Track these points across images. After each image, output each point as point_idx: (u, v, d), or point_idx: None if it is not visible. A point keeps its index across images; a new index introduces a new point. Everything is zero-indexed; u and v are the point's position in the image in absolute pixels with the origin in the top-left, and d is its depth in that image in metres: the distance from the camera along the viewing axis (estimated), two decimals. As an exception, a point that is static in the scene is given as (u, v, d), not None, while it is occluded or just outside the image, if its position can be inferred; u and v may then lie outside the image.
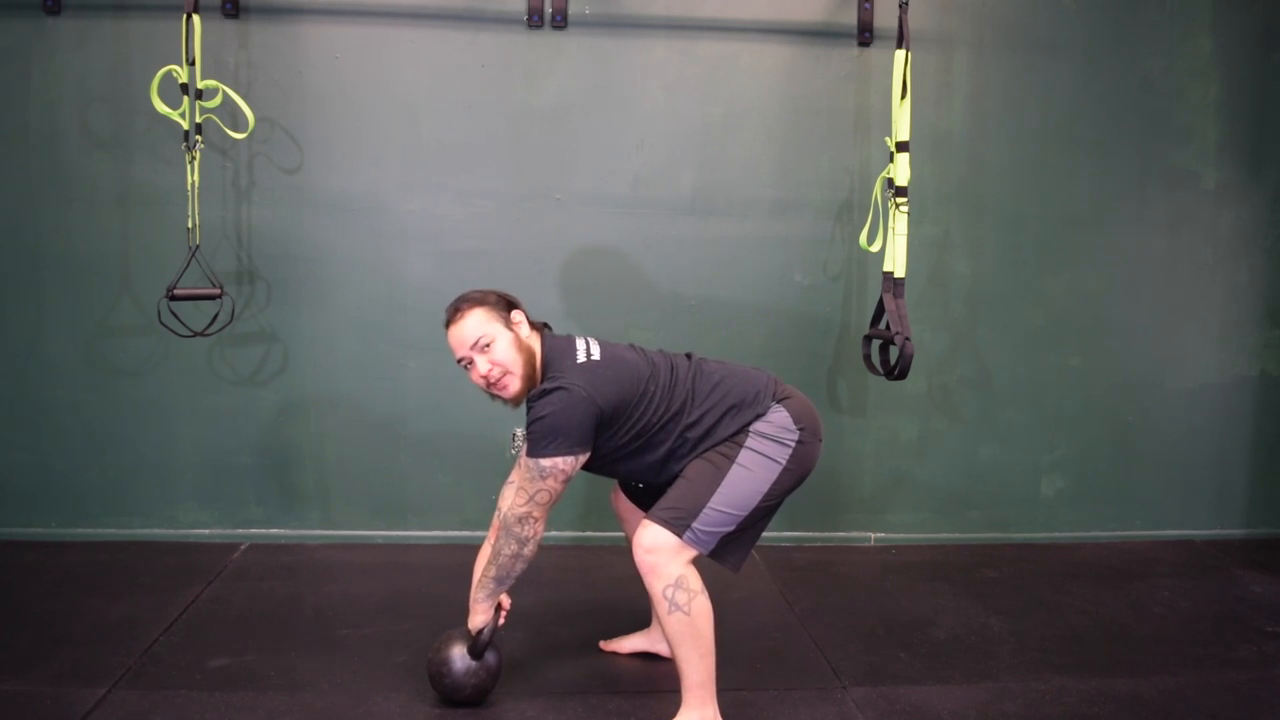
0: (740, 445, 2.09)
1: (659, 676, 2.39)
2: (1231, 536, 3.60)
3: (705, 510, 2.03)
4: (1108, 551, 3.44)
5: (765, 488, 2.08)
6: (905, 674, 2.44)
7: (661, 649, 2.48)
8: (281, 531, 3.34)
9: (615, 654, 2.51)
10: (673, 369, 2.18)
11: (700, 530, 2.03)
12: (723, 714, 2.11)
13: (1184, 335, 3.54)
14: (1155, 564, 3.31)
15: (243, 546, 3.29)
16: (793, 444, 2.10)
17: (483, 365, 2.09)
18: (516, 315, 2.15)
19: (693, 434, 2.12)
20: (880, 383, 3.22)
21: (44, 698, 2.19)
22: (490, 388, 2.13)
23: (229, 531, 3.33)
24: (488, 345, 2.09)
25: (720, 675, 2.10)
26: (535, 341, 2.16)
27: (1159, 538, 3.57)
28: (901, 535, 3.50)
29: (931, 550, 3.42)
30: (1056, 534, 3.54)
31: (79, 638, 2.52)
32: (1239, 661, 2.55)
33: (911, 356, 2.91)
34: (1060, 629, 2.74)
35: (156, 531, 3.30)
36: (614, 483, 2.46)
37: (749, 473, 2.07)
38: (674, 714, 2.09)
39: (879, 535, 3.50)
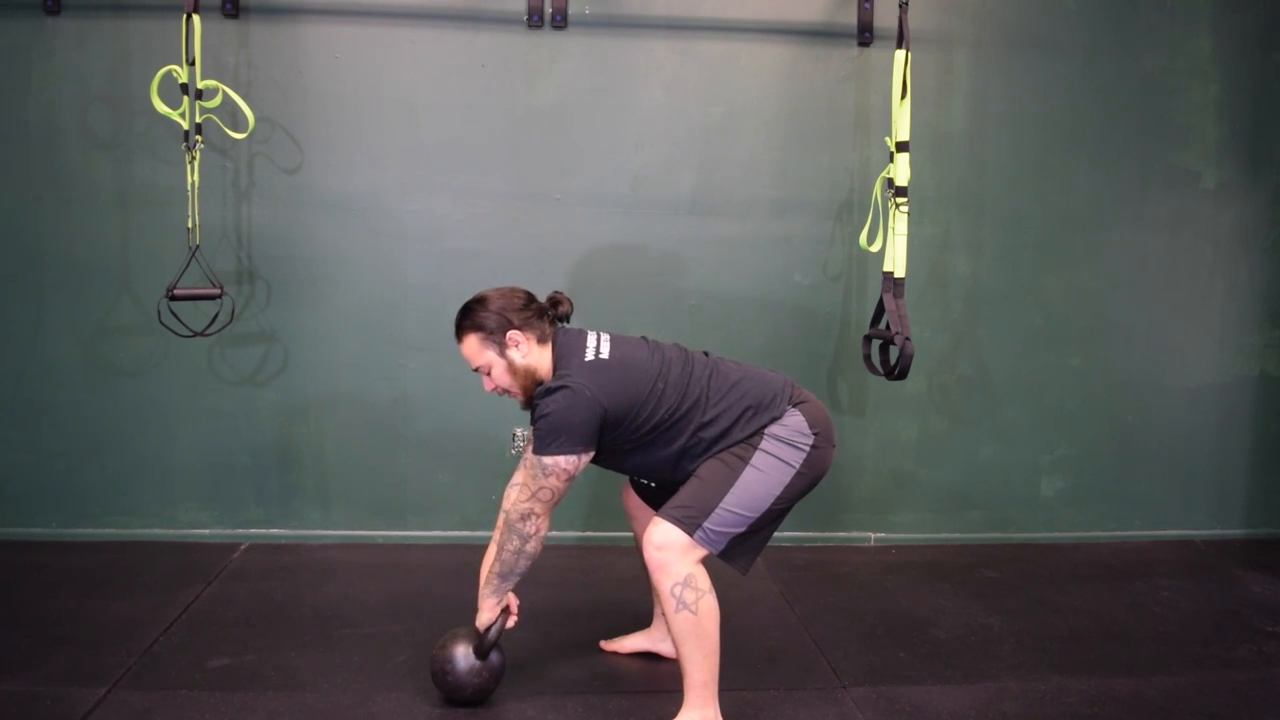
0: (755, 447, 2.09)
1: (659, 676, 2.39)
2: (1231, 536, 3.60)
3: (717, 510, 2.04)
4: (1108, 551, 3.44)
5: (778, 490, 2.08)
6: (905, 674, 2.44)
7: (661, 649, 2.48)
8: (281, 531, 3.34)
9: (616, 654, 2.51)
10: (686, 364, 2.17)
11: (711, 530, 2.04)
12: (723, 714, 2.11)
13: (1184, 335, 3.54)
14: (1155, 564, 3.31)
15: (243, 546, 3.29)
16: (807, 448, 2.11)
17: (486, 384, 2.22)
18: (514, 336, 2.14)
19: (708, 434, 2.12)
20: (880, 383, 3.22)
21: (44, 698, 2.19)
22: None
23: (229, 531, 3.33)
24: (487, 372, 2.19)
25: (721, 675, 2.09)
26: (541, 352, 2.17)
27: (1159, 538, 3.57)
28: (901, 535, 3.50)
29: (931, 550, 3.42)
30: (1056, 534, 3.54)
31: (79, 638, 2.52)
32: (1239, 661, 2.55)
33: (911, 356, 2.91)
34: (1060, 629, 2.74)
35: (156, 531, 3.30)
36: (625, 480, 2.46)
37: (762, 475, 2.07)
38: (675, 713, 2.09)
39: (879, 535, 3.50)
